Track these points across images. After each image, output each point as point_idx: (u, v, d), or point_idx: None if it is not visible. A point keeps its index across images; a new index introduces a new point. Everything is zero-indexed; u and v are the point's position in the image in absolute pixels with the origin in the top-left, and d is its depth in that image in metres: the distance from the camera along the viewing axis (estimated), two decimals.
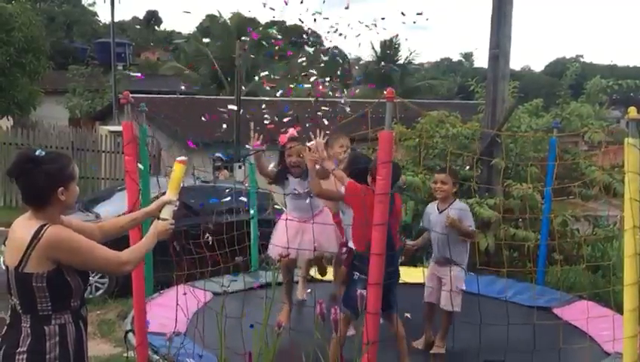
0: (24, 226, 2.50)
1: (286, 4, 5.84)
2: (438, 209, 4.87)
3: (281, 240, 4.81)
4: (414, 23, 6.38)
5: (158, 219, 2.86)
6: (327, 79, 6.81)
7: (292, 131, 4.94)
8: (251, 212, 6.47)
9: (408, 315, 4.48)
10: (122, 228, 2.96)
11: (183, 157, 2.92)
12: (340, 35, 6.11)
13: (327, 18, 5.95)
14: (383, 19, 6.16)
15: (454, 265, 4.67)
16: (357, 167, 4.19)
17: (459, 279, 4.71)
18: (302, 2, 5.84)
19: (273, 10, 6.00)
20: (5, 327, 2.55)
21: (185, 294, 4.35)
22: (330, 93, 7.09)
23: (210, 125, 8.91)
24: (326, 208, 5.05)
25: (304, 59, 7.27)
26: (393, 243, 4.02)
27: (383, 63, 31.89)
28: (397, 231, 4.36)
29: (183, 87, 22.18)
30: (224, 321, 3.71)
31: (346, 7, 6.19)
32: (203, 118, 6.77)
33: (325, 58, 7.23)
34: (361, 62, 34.05)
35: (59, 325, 2.51)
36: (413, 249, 5.05)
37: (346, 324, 3.99)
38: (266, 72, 14.90)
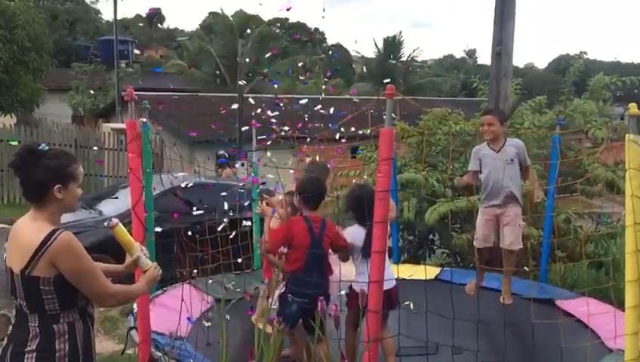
0: (31, 229, 2.46)
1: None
2: (492, 149, 4.84)
3: None
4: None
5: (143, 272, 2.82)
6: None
7: (291, 185, 4.86)
8: (254, 210, 6.45)
9: (411, 305, 4.48)
10: None
11: (112, 222, 2.72)
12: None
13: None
14: None
15: (515, 203, 4.79)
16: (306, 192, 4.07)
17: (520, 216, 4.86)
18: None
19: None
20: (11, 327, 2.54)
21: (189, 292, 4.36)
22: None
23: (213, 123, 8.93)
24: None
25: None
26: (325, 269, 3.94)
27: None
28: (327, 260, 4.04)
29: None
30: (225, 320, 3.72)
31: None
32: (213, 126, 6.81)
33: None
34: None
35: (67, 323, 2.50)
36: (462, 183, 5.02)
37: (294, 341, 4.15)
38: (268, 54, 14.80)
